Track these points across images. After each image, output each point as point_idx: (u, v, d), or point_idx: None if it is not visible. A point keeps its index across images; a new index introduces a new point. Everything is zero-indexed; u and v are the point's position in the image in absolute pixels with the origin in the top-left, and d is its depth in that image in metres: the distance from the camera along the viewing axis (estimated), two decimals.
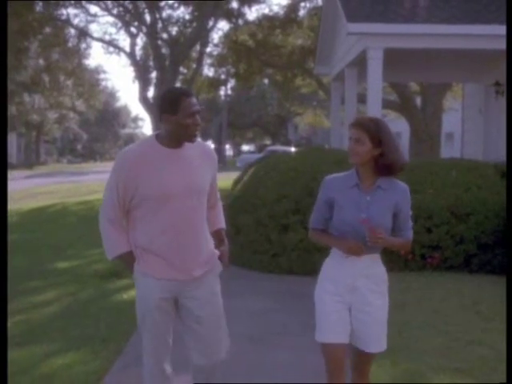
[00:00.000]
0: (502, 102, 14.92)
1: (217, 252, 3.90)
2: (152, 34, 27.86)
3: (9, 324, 6.61)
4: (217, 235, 4.02)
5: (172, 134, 3.60)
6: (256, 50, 28.07)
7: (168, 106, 3.55)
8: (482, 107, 16.54)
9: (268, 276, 9.13)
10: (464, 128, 18.39)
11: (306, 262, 9.07)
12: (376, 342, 3.70)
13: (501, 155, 13.30)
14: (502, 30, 11.29)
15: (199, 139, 3.82)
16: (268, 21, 28.13)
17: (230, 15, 29.01)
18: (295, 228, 9.19)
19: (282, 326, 6.59)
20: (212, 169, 3.86)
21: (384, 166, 3.59)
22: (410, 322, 6.54)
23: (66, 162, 73.95)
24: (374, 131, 3.56)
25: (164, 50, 29.38)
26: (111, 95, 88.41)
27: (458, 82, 21.62)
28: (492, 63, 15.00)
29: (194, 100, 3.56)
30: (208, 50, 31.90)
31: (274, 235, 9.31)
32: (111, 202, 3.64)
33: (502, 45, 11.83)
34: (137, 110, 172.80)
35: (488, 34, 11.43)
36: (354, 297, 3.68)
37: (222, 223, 4.12)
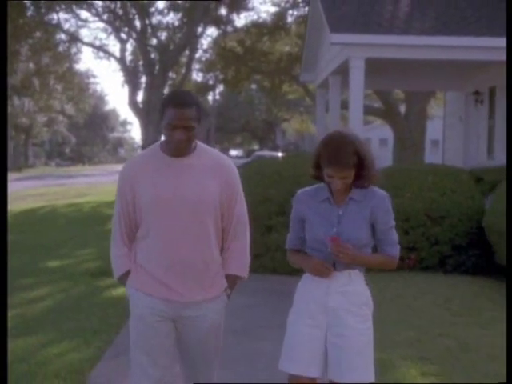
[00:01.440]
0: (482, 110, 15.44)
1: (225, 282, 3.52)
2: (142, 39, 28.25)
3: None
4: (227, 279, 3.56)
5: (165, 142, 3.39)
6: (244, 56, 28.59)
7: (160, 109, 3.36)
8: (463, 115, 17.05)
9: (252, 275, 9.44)
10: (445, 135, 18.89)
11: (288, 263, 9.46)
12: (352, 371, 3.28)
13: (479, 161, 13.79)
14: (479, 41, 11.83)
15: (215, 151, 3.59)
16: (256, 28, 28.64)
17: (219, 22, 29.46)
18: (278, 229, 9.59)
19: (265, 321, 7.00)
20: (223, 184, 3.42)
21: (362, 182, 3.36)
22: (385, 318, 6.92)
23: (54, 165, 74.03)
24: (358, 160, 3.27)
25: (153, 55, 29.80)
26: (100, 99, 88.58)
27: (440, 91, 22.12)
28: (472, 73, 15.51)
29: (182, 113, 3.22)
30: (197, 55, 32.36)
31: (258, 236, 9.69)
32: (117, 215, 3.47)
33: (480, 56, 12.37)
34: (125, 113, 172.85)
35: (466, 46, 11.92)
36: (328, 319, 3.36)
37: (233, 268, 3.55)
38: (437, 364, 5.46)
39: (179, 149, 3.31)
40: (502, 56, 12.29)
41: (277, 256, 9.55)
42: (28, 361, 5.67)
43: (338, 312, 3.33)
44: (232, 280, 3.55)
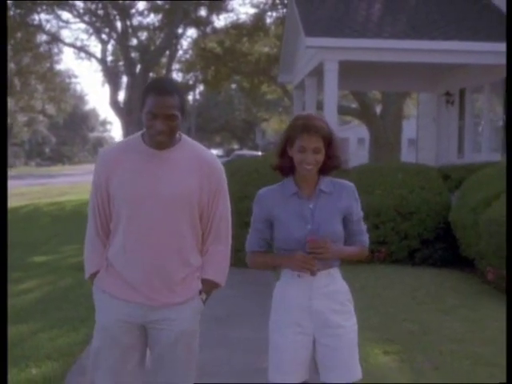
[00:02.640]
0: (452, 110, 16.00)
1: (200, 285, 3.26)
2: (122, 40, 28.59)
3: None
4: (202, 284, 3.29)
5: (147, 133, 3.15)
6: (224, 56, 28.96)
7: (140, 98, 3.13)
8: (435, 115, 17.60)
9: (231, 269, 9.95)
10: (419, 135, 19.44)
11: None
12: (347, 370, 3.19)
13: (450, 160, 14.33)
14: (448, 45, 12.34)
15: (197, 144, 3.32)
16: (235, 29, 29.03)
17: (199, 23, 29.84)
18: None
19: (244, 310, 7.46)
20: (204, 180, 3.18)
21: (330, 167, 3.23)
22: (354, 305, 7.41)
23: (34, 165, 74.00)
24: (327, 134, 3.16)
25: (134, 55, 30.13)
26: (80, 98, 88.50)
27: (413, 92, 22.67)
28: (443, 74, 16.05)
29: (163, 100, 2.99)
30: (177, 55, 32.71)
31: (237, 231, 10.13)
32: (92, 208, 3.26)
33: (449, 59, 12.90)
34: (105, 113, 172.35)
35: (435, 49, 12.44)
36: (314, 322, 3.20)
37: (210, 273, 3.29)
38: (399, 344, 5.95)
39: (161, 140, 3.06)
40: (471, 59, 12.90)
41: None
42: (21, 345, 6.07)
43: (323, 314, 3.17)
44: (208, 285, 3.28)
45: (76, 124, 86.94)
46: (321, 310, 3.18)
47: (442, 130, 17.01)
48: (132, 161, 3.13)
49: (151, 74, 30.71)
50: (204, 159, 3.20)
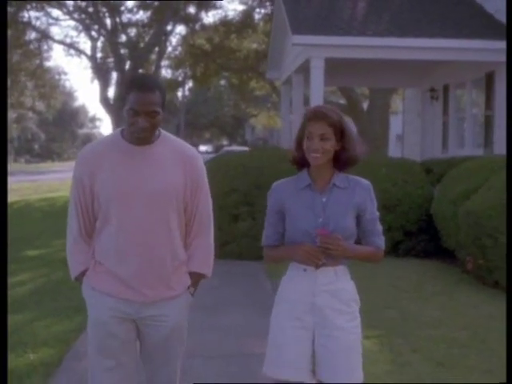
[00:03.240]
0: (436, 106, 16.33)
1: (188, 280, 3.31)
2: (112, 37, 28.78)
3: None
4: (190, 277, 3.35)
5: (128, 129, 3.15)
6: (212, 53, 29.14)
7: (122, 94, 3.13)
8: (420, 111, 17.93)
9: (219, 261, 10.23)
10: (405, 130, 19.77)
11: (253, 249, 10.21)
12: (344, 372, 3.11)
13: (434, 155, 14.65)
14: (430, 42, 12.67)
15: (175, 138, 3.33)
16: (224, 26, 29.24)
17: (188, 20, 30.04)
18: (244, 218, 10.33)
19: (231, 299, 7.74)
20: (187, 174, 3.21)
21: (345, 160, 3.16)
22: None
23: (23, 162, 73.94)
24: (338, 123, 3.08)
25: (123, 51, 30.32)
26: (69, 95, 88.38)
27: (399, 87, 22.98)
28: (427, 70, 16.37)
29: (145, 97, 3.00)
30: (167, 51, 32.90)
31: (225, 225, 10.42)
32: (74, 207, 3.22)
33: (431, 56, 13.23)
34: (94, 109, 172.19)
35: (418, 47, 12.76)
36: (315, 319, 3.13)
37: (196, 265, 3.34)
38: (379, 329, 6.24)
39: (143, 137, 3.10)
40: (453, 56, 13.21)
41: (243, 243, 10.28)
42: (18, 333, 6.33)
43: (325, 311, 3.11)
44: (195, 278, 3.33)
45: (65, 121, 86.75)
46: (322, 306, 3.11)
47: (427, 126, 17.35)
48: (115, 158, 3.14)
49: (140, 71, 30.93)
50: (186, 154, 3.24)
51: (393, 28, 13.16)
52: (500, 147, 12.45)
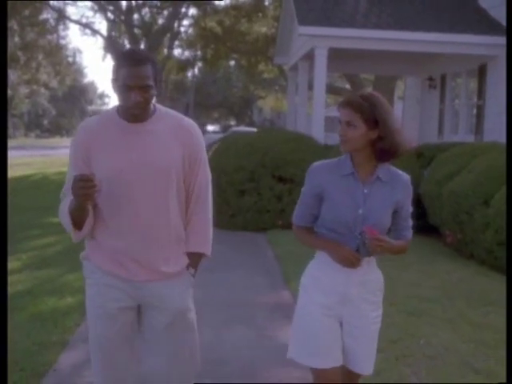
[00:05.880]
0: (434, 94, 17.25)
1: (186, 259, 3.22)
2: (126, 19, 29.61)
3: (24, 257, 8.74)
4: (188, 257, 3.25)
5: (122, 105, 3.04)
6: (223, 36, 29.94)
7: (113, 70, 2.98)
8: (419, 98, 18.84)
9: (227, 231, 11.30)
10: (404, 115, 20.67)
11: (258, 221, 11.29)
12: (365, 361, 3.20)
13: (431, 140, 15.57)
14: (427, 36, 13.60)
15: (174, 113, 3.22)
16: (235, 10, 30.02)
17: (200, 3, 30.81)
18: (250, 193, 11.35)
19: (237, 261, 8.80)
20: (185, 147, 3.12)
21: (383, 151, 3.00)
22: None
23: (34, 137, 74.96)
24: (368, 110, 2.95)
25: (137, 31, 31.14)
26: (79, 71, 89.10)
27: (400, 75, 23.79)
28: (426, 60, 17.27)
29: (137, 71, 2.88)
30: (179, 30, 33.63)
31: (232, 199, 11.45)
32: (69, 186, 2.92)
33: (428, 48, 14.16)
34: (104, 86, 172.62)
35: (416, 40, 13.69)
36: (345, 308, 3.14)
37: (193, 245, 3.24)
38: None
39: (136, 113, 2.99)
40: (447, 49, 14.14)
41: (248, 216, 11.31)
42: (53, 283, 7.38)
43: (355, 302, 3.13)
44: (194, 258, 3.24)
45: (75, 97, 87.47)
46: (353, 297, 3.12)
47: (425, 112, 18.25)
48: (110, 137, 3.05)
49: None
50: (184, 128, 3.15)
51: (392, 22, 14.09)
52: (489, 135, 13.42)
